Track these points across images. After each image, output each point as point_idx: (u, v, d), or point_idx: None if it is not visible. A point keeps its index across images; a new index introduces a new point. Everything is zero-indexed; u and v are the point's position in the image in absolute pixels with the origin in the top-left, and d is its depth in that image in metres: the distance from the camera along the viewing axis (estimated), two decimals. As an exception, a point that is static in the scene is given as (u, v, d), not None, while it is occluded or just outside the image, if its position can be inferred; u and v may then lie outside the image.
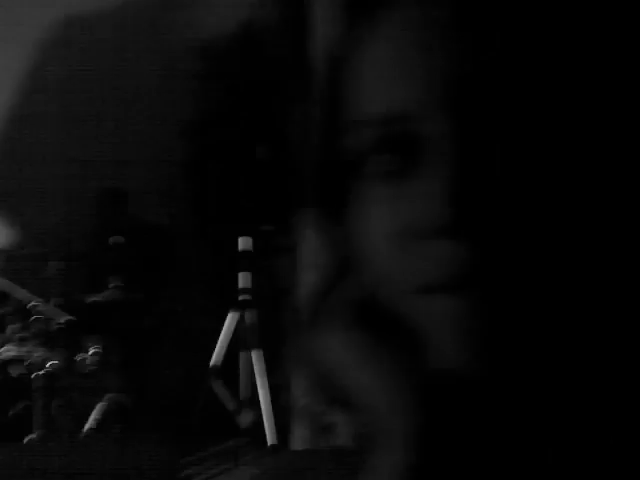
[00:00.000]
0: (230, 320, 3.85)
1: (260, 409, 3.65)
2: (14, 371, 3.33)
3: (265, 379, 3.57)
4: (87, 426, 3.46)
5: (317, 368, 0.41)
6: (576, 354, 0.36)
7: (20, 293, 3.33)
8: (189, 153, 4.51)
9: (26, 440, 3.21)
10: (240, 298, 3.87)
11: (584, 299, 0.35)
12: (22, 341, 3.31)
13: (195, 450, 3.62)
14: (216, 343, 3.84)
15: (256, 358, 3.73)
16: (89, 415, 3.49)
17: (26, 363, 3.32)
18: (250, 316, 3.77)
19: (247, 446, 3.67)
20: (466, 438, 0.36)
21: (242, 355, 3.89)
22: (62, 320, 3.42)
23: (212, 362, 3.82)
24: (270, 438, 3.57)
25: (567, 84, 0.34)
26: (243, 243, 3.85)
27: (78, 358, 3.58)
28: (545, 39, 0.34)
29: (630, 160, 0.35)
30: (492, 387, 0.36)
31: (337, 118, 0.39)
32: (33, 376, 3.27)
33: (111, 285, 3.60)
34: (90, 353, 3.60)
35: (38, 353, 3.31)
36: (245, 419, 3.77)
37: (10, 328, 3.29)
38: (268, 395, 3.56)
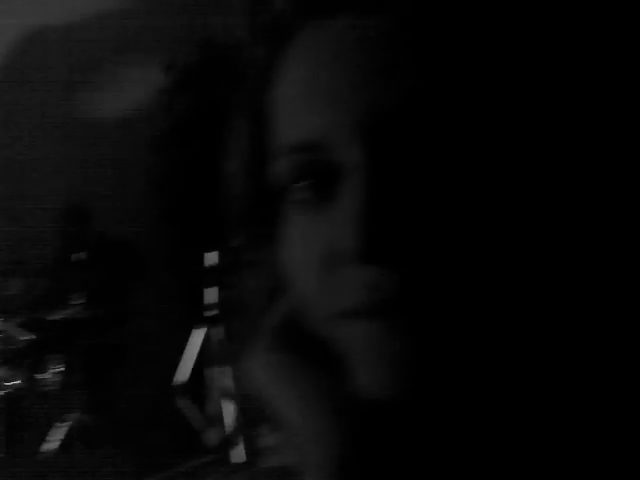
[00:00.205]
0: (197, 336, 3.82)
1: (227, 427, 3.61)
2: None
3: (232, 396, 3.53)
4: (50, 446, 3.39)
5: (247, 390, 0.41)
6: (502, 377, 0.36)
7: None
8: (157, 168, 4.47)
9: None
10: (207, 314, 3.84)
11: (505, 320, 0.35)
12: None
13: (161, 469, 3.56)
14: (185, 360, 3.80)
15: (223, 375, 3.70)
16: (52, 435, 3.42)
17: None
18: (217, 332, 3.74)
19: (213, 464, 3.63)
20: (389, 465, 0.36)
21: (208, 372, 3.85)
22: (24, 338, 3.36)
23: (178, 379, 3.78)
24: (236, 456, 3.54)
25: (483, 114, 0.34)
26: (210, 258, 3.83)
27: (40, 377, 3.51)
28: (458, 68, 0.34)
29: (536, 181, 0.36)
30: (417, 413, 0.36)
31: (259, 146, 0.39)
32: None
33: (74, 302, 3.54)
34: (53, 372, 3.54)
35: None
36: (211, 437, 3.73)
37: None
38: (235, 413, 3.53)
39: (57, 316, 3.52)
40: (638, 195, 0.37)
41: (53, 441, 3.40)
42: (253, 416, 0.41)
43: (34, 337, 3.41)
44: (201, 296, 3.84)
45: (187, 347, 3.79)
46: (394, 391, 0.34)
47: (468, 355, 0.35)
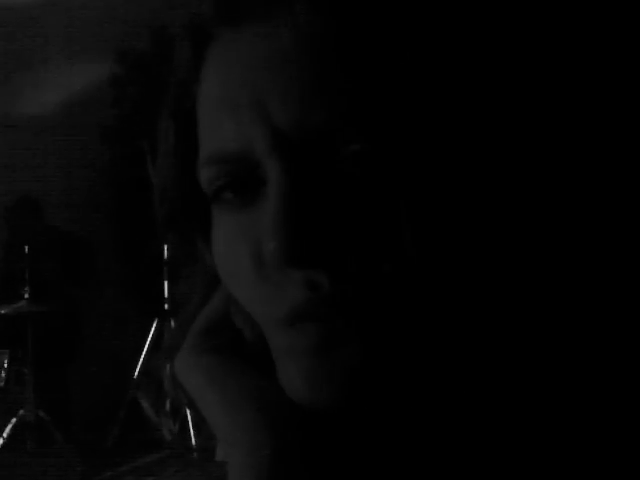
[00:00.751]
0: (155, 329, 3.81)
1: (185, 420, 3.61)
2: None
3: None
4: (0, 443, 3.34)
5: (178, 392, 0.41)
6: (441, 391, 0.36)
7: None
8: (108, 159, 4.43)
9: None
10: (165, 307, 3.84)
11: (448, 325, 0.35)
12: None
13: (116, 464, 3.54)
14: (140, 354, 3.79)
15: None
16: (1, 431, 3.37)
17: None
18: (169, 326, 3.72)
19: (171, 458, 3.62)
20: (318, 471, 0.36)
21: (167, 366, 3.83)
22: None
23: (136, 373, 3.77)
24: (195, 450, 3.54)
25: (401, 128, 0.34)
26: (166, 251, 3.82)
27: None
28: (380, 81, 0.34)
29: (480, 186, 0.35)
30: (351, 419, 0.36)
31: (186, 147, 0.39)
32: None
33: (24, 296, 3.48)
34: (2, 366, 3.48)
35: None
36: (170, 430, 3.73)
37: None
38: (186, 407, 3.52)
39: (5, 310, 3.46)
40: (638, 195, 0.37)
41: (4, 438, 3.35)
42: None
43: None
44: (159, 289, 3.83)
45: (147, 341, 3.79)
46: (330, 402, 0.34)
47: (410, 362, 0.35)
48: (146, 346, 3.79)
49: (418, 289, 0.34)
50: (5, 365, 3.50)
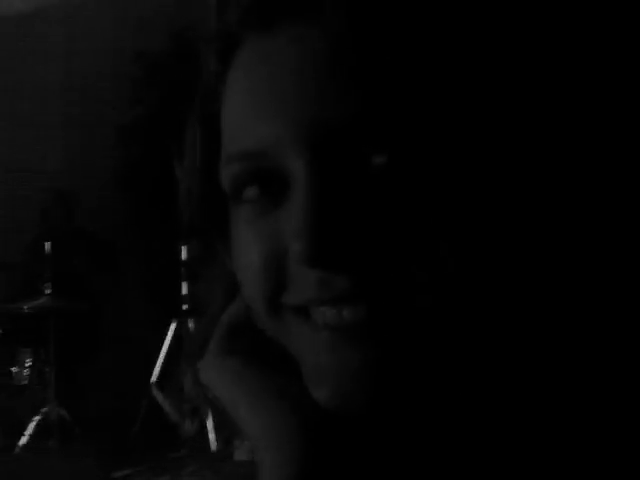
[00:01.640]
0: (173, 329, 3.81)
1: (203, 420, 3.61)
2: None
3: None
4: (22, 441, 3.36)
5: (204, 394, 0.42)
6: (455, 389, 0.36)
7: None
8: (127, 159, 4.44)
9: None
10: (183, 307, 3.84)
11: (459, 320, 0.35)
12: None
13: (135, 462, 3.55)
14: (159, 353, 3.80)
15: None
16: (25, 429, 3.39)
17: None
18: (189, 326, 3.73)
19: (189, 457, 3.62)
20: (347, 471, 0.36)
21: (189, 370, 3.82)
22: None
23: (155, 372, 3.77)
24: (213, 449, 3.54)
25: (422, 131, 0.34)
26: (185, 252, 3.82)
27: (15, 370, 3.48)
28: (399, 81, 0.34)
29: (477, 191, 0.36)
30: (374, 419, 0.36)
31: (211, 150, 0.40)
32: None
33: (46, 293, 3.49)
34: (25, 365, 3.50)
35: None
36: (188, 430, 3.73)
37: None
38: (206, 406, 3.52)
39: (28, 308, 3.47)
40: (638, 195, 0.37)
41: (25, 436, 3.37)
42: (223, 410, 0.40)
43: (5, 330, 3.36)
44: (178, 289, 3.83)
45: (166, 340, 3.79)
46: (351, 404, 0.34)
47: (430, 363, 0.35)
48: (165, 345, 3.80)
49: (447, 297, 0.34)
50: (27, 364, 3.52)
